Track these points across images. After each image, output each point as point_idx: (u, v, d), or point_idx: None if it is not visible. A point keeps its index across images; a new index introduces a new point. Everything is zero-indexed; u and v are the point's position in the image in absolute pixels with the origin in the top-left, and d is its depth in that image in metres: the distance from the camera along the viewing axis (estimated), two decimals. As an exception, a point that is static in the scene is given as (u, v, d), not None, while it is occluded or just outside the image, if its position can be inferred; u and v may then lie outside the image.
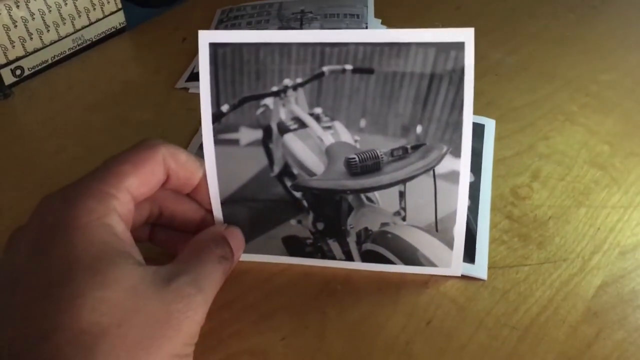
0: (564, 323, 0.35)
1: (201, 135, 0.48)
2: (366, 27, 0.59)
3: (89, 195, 0.29)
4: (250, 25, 0.61)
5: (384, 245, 0.36)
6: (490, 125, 0.48)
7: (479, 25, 0.62)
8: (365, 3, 0.62)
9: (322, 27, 0.59)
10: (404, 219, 0.36)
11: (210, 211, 0.36)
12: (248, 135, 0.35)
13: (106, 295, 0.26)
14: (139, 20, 0.65)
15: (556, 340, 0.34)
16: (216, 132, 0.35)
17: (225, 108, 0.35)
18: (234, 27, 0.62)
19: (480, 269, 0.37)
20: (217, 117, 0.35)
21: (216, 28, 0.62)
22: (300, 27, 0.60)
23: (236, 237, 0.35)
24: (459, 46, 0.33)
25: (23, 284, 0.27)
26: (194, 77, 0.56)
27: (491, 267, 0.38)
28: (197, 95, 0.53)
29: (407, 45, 0.33)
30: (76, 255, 0.27)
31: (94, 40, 0.61)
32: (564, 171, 0.45)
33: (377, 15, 0.61)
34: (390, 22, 0.61)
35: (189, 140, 0.48)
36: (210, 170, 0.35)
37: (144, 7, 0.68)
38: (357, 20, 0.60)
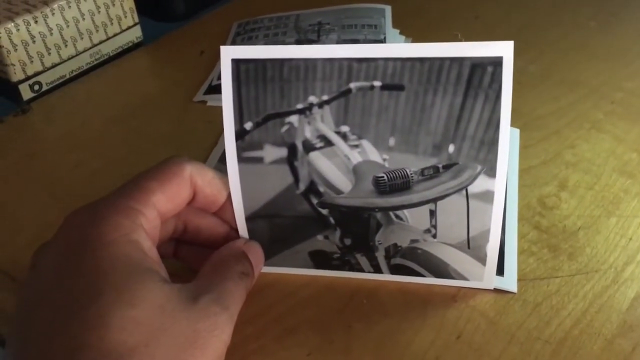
0: (599, 336, 0.34)
1: (220, 148, 0.48)
2: (384, 38, 0.59)
3: (115, 211, 0.29)
4: (267, 38, 0.61)
5: (414, 260, 0.35)
6: (514, 134, 0.47)
7: (498, 34, 0.62)
8: (383, 14, 0.62)
9: (339, 39, 0.59)
10: (434, 236, 0.35)
11: (235, 228, 0.36)
12: (272, 153, 0.34)
13: (134, 314, 0.26)
14: (155, 35, 0.65)
15: (591, 355, 0.33)
16: (240, 149, 0.34)
17: (248, 125, 0.34)
18: (250, 40, 0.62)
19: (509, 281, 0.36)
20: (240, 134, 0.34)
21: (233, 41, 0.62)
22: (318, 39, 0.59)
23: (255, 252, 0.35)
24: (497, 61, 0.31)
25: (49, 301, 0.27)
26: (212, 90, 0.55)
27: (521, 279, 0.37)
28: (216, 108, 0.53)
29: (440, 60, 0.31)
30: (103, 272, 0.27)
31: (111, 54, 0.61)
32: (592, 180, 0.43)
33: (395, 26, 0.60)
34: (408, 32, 0.60)
35: (208, 153, 0.48)
36: (234, 188, 0.35)
37: (160, 22, 0.68)
38: (375, 31, 0.59)
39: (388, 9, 0.62)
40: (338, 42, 0.58)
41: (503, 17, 0.64)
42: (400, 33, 0.60)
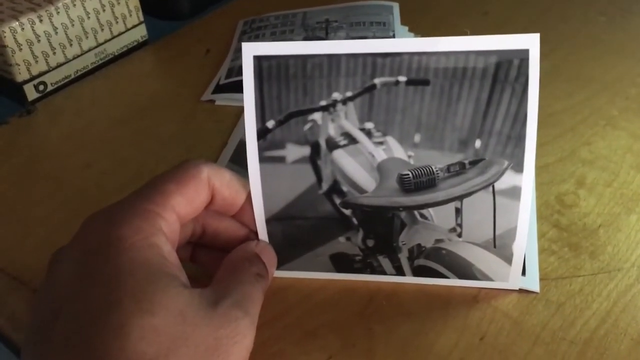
0: (625, 336, 0.33)
1: (231, 149, 0.47)
2: (393, 35, 0.58)
3: (135, 214, 0.28)
4: (274, 36, 0.60)
5: (438, 261, 0.35)
6: (529, 131, 0.47)
7: (508, 31, 0.61)
8: (391, 11, 0.61)
9: (347, 36, 0.58)
10: (459, 235, 0.34)
11: (254, 231, 0.35)
12: (295, 152, 0.33)
13: (153, 323, 0.25)
14: (160, 33, 0.64)
15: (618, 355, 0.32)
16: (261, 149, 0.33)
17: (270, 124, 0.33)
18: (257, 38, 0.61)
19: (532, 281, 0.36)
20: (262, 133, 0.33)
21: (239, 39, 0.61)
22: (326, 37, 0.58)
23: (268, 252, 0.34)
24: (523, 54, 0.30)
25: (67, 310, 0.26)
26: (220, 89, 0.55)
27: (543, 278, 0.36)
28: (224, 108, 0.53)
29: (466, 53, 0.31)
30: (122, 278, 0.26)
31: (116, 54, 0.60)
32: (610, 177, 0.43)
33: (403, 23, 0.60)
34: (417, 29, 0.59)
35: (218, 153, 0.47)
36: (255, 188, 0.34)
37: (165, 20, 0.67)
38: (383, 28, 0.59)
39: (396, 6, 0.62)
40: (347, 40, 0.57)
41: (512, 13, 0.63)
42: (409, 30, 0.59)
